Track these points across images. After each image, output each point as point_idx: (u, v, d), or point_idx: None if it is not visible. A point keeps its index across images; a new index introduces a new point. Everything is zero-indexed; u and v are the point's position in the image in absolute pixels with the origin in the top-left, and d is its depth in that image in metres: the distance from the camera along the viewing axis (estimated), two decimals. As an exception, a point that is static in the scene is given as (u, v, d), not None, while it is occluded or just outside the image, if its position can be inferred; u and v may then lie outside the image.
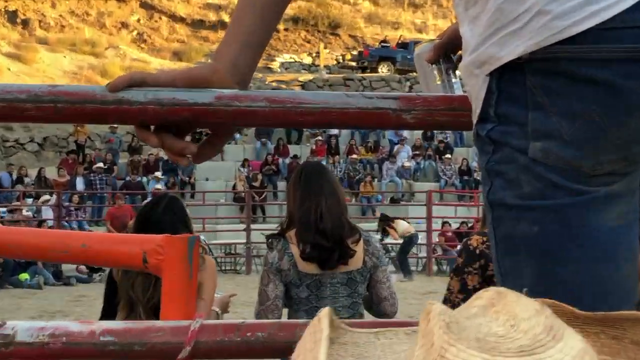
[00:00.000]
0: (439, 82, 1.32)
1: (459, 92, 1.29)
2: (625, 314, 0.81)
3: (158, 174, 19.81)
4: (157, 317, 2.77)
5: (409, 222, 15.94)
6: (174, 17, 37.91)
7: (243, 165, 21.12)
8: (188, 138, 1.20)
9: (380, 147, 22.84)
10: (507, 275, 1.01)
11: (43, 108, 1.11)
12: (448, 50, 1.31)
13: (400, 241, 14.98)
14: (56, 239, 1.24)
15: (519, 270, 1.00)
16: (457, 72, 1.31)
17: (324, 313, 0.75)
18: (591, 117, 0.94)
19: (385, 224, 15.07)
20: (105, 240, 1.24)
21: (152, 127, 1.16)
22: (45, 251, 1.26)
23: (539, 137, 0.96)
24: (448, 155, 21.76)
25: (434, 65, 1.32)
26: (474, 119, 1.05)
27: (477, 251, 3.17)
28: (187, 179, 20.25)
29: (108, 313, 2.96)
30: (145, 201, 18.47)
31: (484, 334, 0.67)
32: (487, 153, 1.02)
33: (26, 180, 19.08)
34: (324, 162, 20.79)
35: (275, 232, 3.12)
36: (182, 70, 1.18)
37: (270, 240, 3.09)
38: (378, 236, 13.59)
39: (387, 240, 14.94)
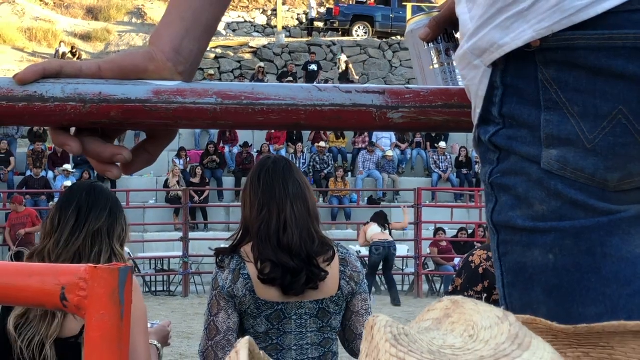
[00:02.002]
0: (437, 67, 1.34)
1: (462, 81, 1.31)
2: (612, 326, 0.85)
3: (67, 167, 19.62)
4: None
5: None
6: (87, -36, 37.52)
7: (179, 156, 21.01)
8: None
9: (356, 133, 22.89)
10: (515, 311, 1.04)
11: None
12: (449, 27, 1.33)
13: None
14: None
15: (530, 308, 1.02)
16: None
17: (242, 344, 0.81)
18: (618, 120, 0.97)
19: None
20: (9, 271, 1.24)
21: (72, 130, 1.16)
22: None
23: (555, 143, 0.99)
24: (442, 144, 21.89)
25: (431, 45, 1.33)
26: (475, 120, 1.08)
27: (480, 270, 3.23)
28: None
29: None
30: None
31: (439, 346, 0.71)
32: (491, 162, 1.05)
33: None
34: (283, 152, 20.84)
35: (226, 245, 3.06)
36: (111, 58, 1.18)
37: (220, 256, 3.02)
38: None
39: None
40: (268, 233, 2.93)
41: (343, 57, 26.61)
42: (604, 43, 0.96)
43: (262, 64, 26.48)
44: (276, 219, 2.94)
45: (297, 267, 2.91)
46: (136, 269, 16.45)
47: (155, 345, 3.09)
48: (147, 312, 2.99)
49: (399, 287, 16.61)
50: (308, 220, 2.99)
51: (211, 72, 25.86)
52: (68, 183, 18.89)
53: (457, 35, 1.33)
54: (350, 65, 26.26)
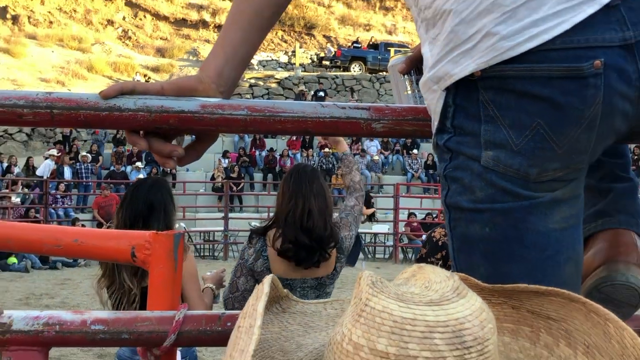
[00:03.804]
0: (409, 92, 1.34)
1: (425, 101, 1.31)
2: (521, 287, 0.89)
3: (139, 164, 19.65)
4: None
5: (377, 213, 15.94)
6: (157, 16, 37.54)
7: (224, 156, 21.08)
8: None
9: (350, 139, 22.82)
10: (462, 270, 1.04)
11: (40, 114, 1.12)
12: (419, 63, 1.33)
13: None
14: (50, 234, 1.26)
15: (473, 267, 1.03)
16: None
17: (267, 279, 0.86)
18: (537, 130, 0.96)
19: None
20: (96, 235, 1.25)
21: (142, 132, 1.17)
22: (40, 245, 1.27)
23: (491, 146, 0.99)
24: (415, 151, 21.88)
25: (405, 76, 1.34)
26: (433, 130, 1.08)
27: (440, 243, 3.21)
28: (169, 169, 20.07)
29: None
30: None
31: (403, 291, 0.77)
32: (445, 160, 1.06)
33: (15, 169, 18.85)
34: (298, 155, 20.84)
35: (261, 228, 3.04)
36: (170, 80, 1.19)
37: (252, 235, 3.00)
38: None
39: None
40: (294, 218, 2.90)
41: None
42: (526, 73, 0.96)
43: (304, 87, 26.39)
44: (302, 207, 2.91)
45: (312, 246, 2.88)
46: (190, 239, 16.49)
47: (211, 287, 3.10)
48: (197, 271, 3.02)
49: (381, 256, 16.62)
50: (325, 213, 2.95)
51: (247, 96, 25.81)
52: (141, 176, 18.97)
53: None
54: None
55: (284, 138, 22.77)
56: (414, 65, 1.33)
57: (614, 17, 0.96)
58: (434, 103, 1.06)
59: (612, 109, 0.97)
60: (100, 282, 2.89)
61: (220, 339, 1.11)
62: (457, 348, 0.71)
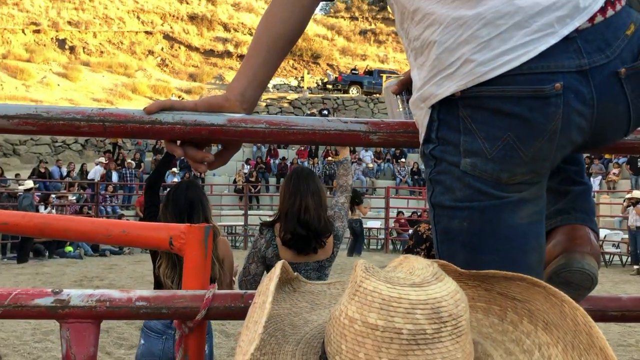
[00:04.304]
0: (401, 110, 1.33)
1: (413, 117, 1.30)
2: (492, 273, 0.90)
3: (175, 169, 19.68)
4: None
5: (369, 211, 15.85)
6: (190, 47, 37.65)
7: (247, 163, 21.17)
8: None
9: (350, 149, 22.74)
10: (444, 258, 1.04)
11: (94, 126, 1.12)
12: (409, 85, 1.32)
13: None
14: (102, 226, 1.26)
15: (453, 255, 1.02)
16: None
17: (278, 264, 0.87)
18: (507, 141, 0.96)
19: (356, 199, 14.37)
20: (140, 227, 1.25)
21: (178, 142, 1.17)
22: (94, 235, 1.27)
23: (469, 154, 0.99)
24: (403, 159, 21.85)
25: (398, 96, 1.33)
26: (421, 141, 1.08)
27: (424, 236, 3.19)
28: (199, 173, 20.08)
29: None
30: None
31: (390, 276, 0.78)
32: (430, 166, 1.05)
33: (72, 174, 18.96)
34: (305, 164, 20.80)
35: (269, 221, 3.02)
36: (202, 99, 1.18)
37: (262, 227, 2.98)
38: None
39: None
40: (293, 212, 2.88)
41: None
42: (499, 94, 0.96)
43: (315, 110, 26.19)
44: (299, 204, 2.89)
45: (308, 237, 2.87)
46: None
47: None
48: (233, 257, 3.02)
49: (374, 247, 16.58)
50: (320, 209, 2.93)
51: (264, 114, 25.70)
52: (175, 179, 18.98)
53: None
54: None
55: (294, 148, 22.75)
56: (405, 87, 1.33)
57: (571, 47, 0.96)
58: (421, 118, 1.06)
59: (570, 124, 0.97)
60: (163, 269, 2.89)
61: (243, 314, 1.10)
62: (435, 322, 0.72)
